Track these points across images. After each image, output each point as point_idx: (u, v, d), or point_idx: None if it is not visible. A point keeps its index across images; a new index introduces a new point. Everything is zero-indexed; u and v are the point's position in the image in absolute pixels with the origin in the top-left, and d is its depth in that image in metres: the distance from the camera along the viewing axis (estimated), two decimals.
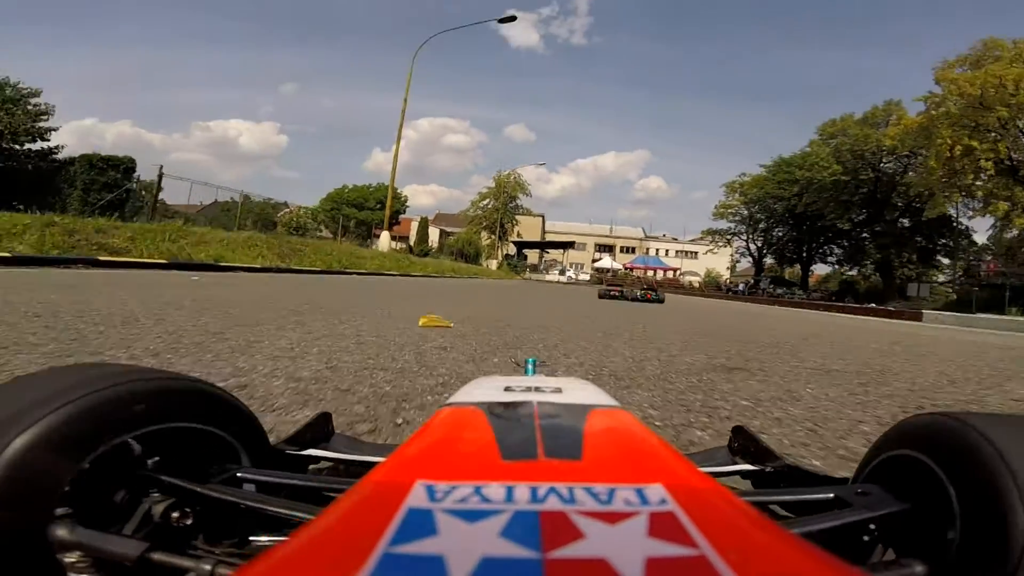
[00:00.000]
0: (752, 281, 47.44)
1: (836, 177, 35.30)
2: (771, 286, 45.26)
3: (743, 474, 0.68)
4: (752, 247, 53.15)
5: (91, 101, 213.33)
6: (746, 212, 52.80)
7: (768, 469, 0.66)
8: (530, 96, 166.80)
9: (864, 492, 0.47)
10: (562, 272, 50.93)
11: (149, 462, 0.44)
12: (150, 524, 0.42)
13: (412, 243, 44.38)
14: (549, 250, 59.67)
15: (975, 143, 23.26)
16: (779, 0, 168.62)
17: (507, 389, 0.57)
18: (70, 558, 0.36)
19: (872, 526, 0.43)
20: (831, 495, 0.48)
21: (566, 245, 54.86)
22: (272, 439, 0.63)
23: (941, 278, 36.38)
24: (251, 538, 0.44)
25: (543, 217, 67.70)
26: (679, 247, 68.18)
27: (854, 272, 46.93)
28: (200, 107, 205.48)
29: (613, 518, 0.23)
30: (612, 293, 15.67)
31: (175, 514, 0.42)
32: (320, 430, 0.74)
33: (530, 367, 1.06)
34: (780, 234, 48.50)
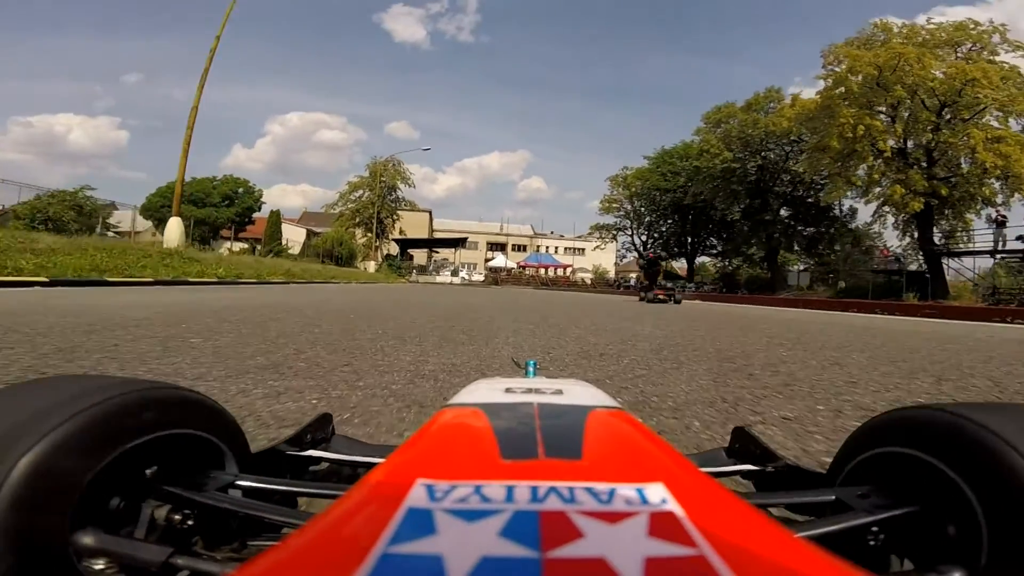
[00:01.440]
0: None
1: (726, 164, 35.01)
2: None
3: (744, 474, 0.69)
4: (637, 241, 53.25)
5: None
6: (630, 206, 52.80)
7: (769, 469, 0.66)
8: (414, 93, 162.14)
9: (864, 494, 0.46)
10: (455, 272, 45.55)
11: (147, 471, 0.44)
12: (156, 530, 0.43)
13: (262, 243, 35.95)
14: (438, 249, 53.54)
15: (877, 122, 23.03)
16: (658, 3, 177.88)
17: (508, 390, 0.57)
18: (98, 565, 0.37)
19: (876, 528, 0.42)
20: (832, 497, 0.48)
21: (457, 242, 48.32)
22: (273, 440, 0.66)
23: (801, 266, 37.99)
24: (249, 542, 0.46)
25: (430, 213, 61.68)
26: (567, 244, 67.06)
27: (733, 263, 48.85)
28: (21, 100, 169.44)
29: (613, 518, 0.22)
30: (659, 297, 13.16)
31: (176, 518, 0.43)
32: (320, 431, 0.74)
33: (531, 369, 1.04)
34: (665, 227, 48.56)
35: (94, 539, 0.37)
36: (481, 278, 46.98)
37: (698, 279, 44.33)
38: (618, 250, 55.50)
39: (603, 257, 63.71)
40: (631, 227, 53.24)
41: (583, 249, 65.88)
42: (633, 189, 50.44)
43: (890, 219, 26.83)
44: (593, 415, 0.45)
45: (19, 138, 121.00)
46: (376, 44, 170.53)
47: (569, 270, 57.99)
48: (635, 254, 53.74)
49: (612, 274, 61.84)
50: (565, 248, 65.07)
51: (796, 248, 38.70)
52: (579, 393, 0.58)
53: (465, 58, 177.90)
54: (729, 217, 39.06)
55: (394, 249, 48.13)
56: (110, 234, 24.52)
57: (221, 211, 48.04)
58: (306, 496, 0.52)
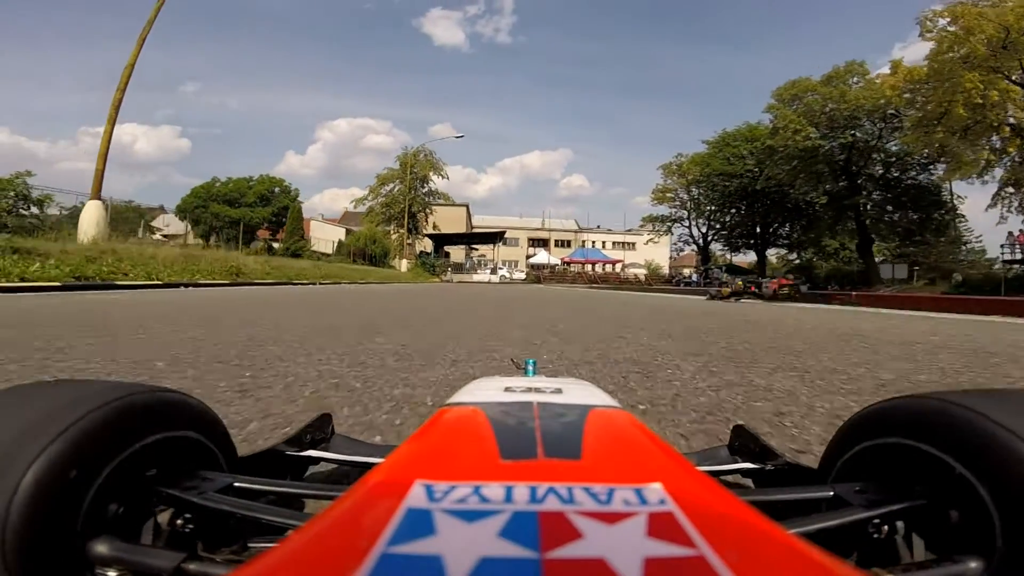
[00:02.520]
0: (704, 271, 42.52)
1: (810, 141, 30.44)
2: (725, 275, 40.60)
3: (744, 473, 0.69)
4: (696, 232, 48.82)
5: None
6: (686, 195, 48.45)
7: (768, 467, 0.66)
8: (455, 95, 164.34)
9: (862, 489, 0.46)
10: (494, 270, 42.83)
11: (148, 475, 0.45)
12: (161, 534, 0.44)
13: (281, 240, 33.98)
14: (476, 245, 50.88)
15: (1016, 88, 18.37)
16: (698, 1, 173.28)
17: (507, 389, 0.57)
18: (111, 573, 0.37)
19: (878, 521, 0.43)
20: (830, 493, 0.48)
21: (495, 237, 45.07)
22: (273, 441, 0.67)
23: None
24: (250, 543, 0.46)
25: (467, 208, 59.30)
26: (616, 238, 63.11)
27: (805, 256, 43.78)
28: (89, 112, 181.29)
29: (612, 518, 0.23)
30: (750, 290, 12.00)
31: (178, 520, 0.44)
32: (320, 431, 0.74)
33: (530, 368, 1.03)
34: (731, 216, 43.86)
35: (107, 547, 0.38)
36: (522, 276, 43.99)
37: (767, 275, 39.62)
38: (674, 243, 51.07)
39: (655, 252, 59.46)
40: (688, 218, 49.07)
41: (633, 243, 61.90)
42: (691, 176, 46.17)
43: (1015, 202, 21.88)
44: (593, 414, 0.46)
45: (89, 148, 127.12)
46: (417, 48, 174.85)
47: (619, 266, 54.05)
48: (693, 247, 49.44)
49: (666, 269, 57.56)
50: (614, 243, 61.31)
51: (887, 237, 33.43)
52: (579, 392, 0.58)
53: (504, 59, 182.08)
54: (815, 201, 34.25)
55: (428, 246, 45.75)
56: (156, 236, 24.04)
57: (256, 211, 47.39)
58: (305, 497, 0.52)
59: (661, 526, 0.22)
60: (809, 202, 36.51)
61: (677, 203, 48.90)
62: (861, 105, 28.11)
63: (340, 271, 20.82)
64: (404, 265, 35.64)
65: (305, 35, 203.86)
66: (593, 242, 57.93)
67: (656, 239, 51.41)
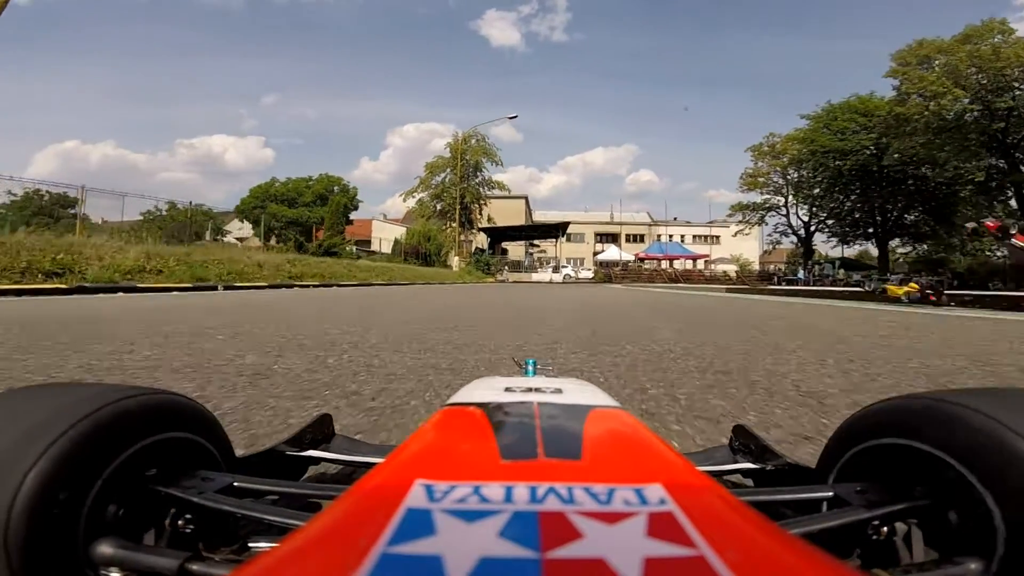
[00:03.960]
0: (812, 266, 36.32)
1: (959, 106, 24.20)
2: (840, 271, 34.27)
3: (744, 473, 0.70)
4: (796, 221, 42.33)
5: (71, 123, 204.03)
6: (782, 180, 42.14)
7: (769, 467, 0.67)
8: (515, 96, 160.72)
9: (863, 489, 0.47)
10: (556, 268, 38.87)
11: (147, 475, 0.46)
12: (161, 535, 0.45)
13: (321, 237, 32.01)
14: (536, 241, 47.13)
15: None
16: None
17: (507, 389, 0.58)
18: (113, 574, 0.38)
19: (877, 522, 0.43)
20: (831, 493, 0.48)
21: (558, 229, 39.65)
22: (274, 442, 0.69)
23: None
24: (250, 543, 0.46)
25: (527, 200, 55.62)
26: (697, 231, 57.14)
27: (937, 251, 36.36)
28: (182, 123, 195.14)
29: (612, 518, 0.23)
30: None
31: (179, 521, 0.45)
32: (320, 431, 0.76)
33: (530, 368, 1.04)
34: (843, 200, 37.14)
35: (109, 548, 0.38)
36: (589, 274, 39.69)
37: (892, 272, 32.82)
38: (769, 235, 44.81)
39: (742, 245, 53.16)
40: (786, 204, 42.72)
41: (717, 237, 55.88)
42: (789, 156, 39.95)
43: None
44: (593, 414, 0.46)
45: (185, 159, 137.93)
46: (475, 51, 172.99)
47: (702, 262, 48.32)
48: (793, 239, 43.06)
49: (756, 265, 51.09)
50: (694, 236, 55.62)
51: None
52: (579, 392, 0.59)
53: (561, 57, 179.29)
54: (956, 180, 27.61)
55: (482, 241, 42.41)
56: (228, 239, 24.28)
57: (314, 211, 46.90)
58: (305, 497, 0.53)
59: (661, 526, 0.22)
60: (945, 183, 29.73)
61: (771, 188, 42.96)
62: (1017, 64, 21.91)
63: (377, 270, 18.29)
64: (456, 263, 32.73)
65: (369, 44, 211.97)
66: (670, 236, 52.42)
67: (747, 230, 45.45)
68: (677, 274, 40.79)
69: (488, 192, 40.48)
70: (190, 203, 19.71)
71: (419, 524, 0.22)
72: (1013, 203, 26.70)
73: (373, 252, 36.38)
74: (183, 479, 0.48)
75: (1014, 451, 0.37)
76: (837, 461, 0.53)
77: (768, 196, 43.17)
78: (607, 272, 40.74)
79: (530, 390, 0.58)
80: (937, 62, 25.95)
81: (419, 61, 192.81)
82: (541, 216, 54.94)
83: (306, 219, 42.18)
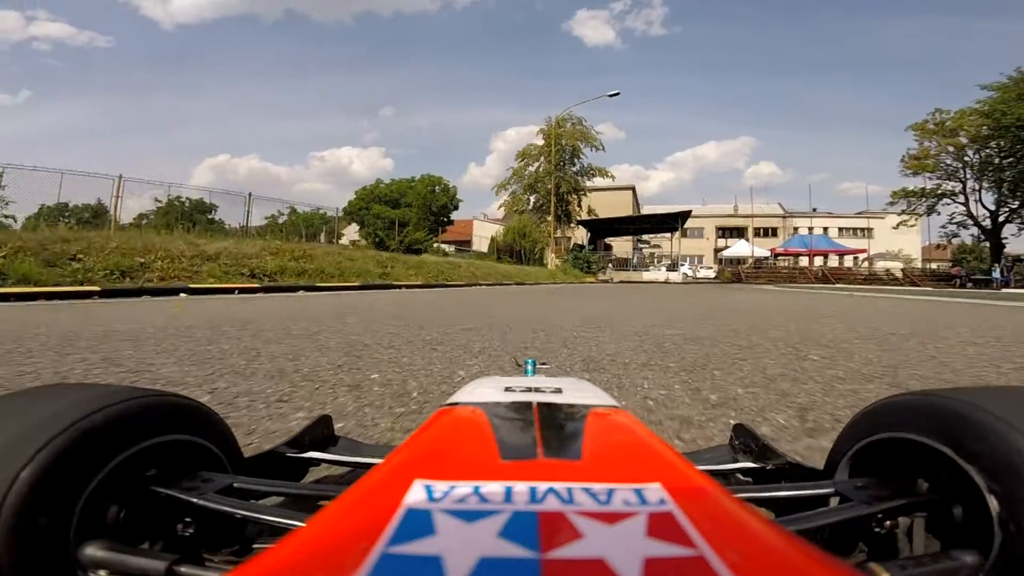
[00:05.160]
0: (1012, 264, 28.55)
1: None
2: None
3: (744, 472, 0.70)
4: (980, 211, 33.92)
5: (220, 139, 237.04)
6: (957, 162, 33.97)
7: (769, 467, 0.67)
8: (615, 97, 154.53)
9: (863, 485, 0.47)
10: (673, 267, 34.81)
11: (147, 475, 0.47)
12: (158, 537, 0.45)
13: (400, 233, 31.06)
14: (647, 237, 42.68)
15: None
16: None
17: (507, 389, 0.58)
18: (102, 574, 0.38)
19: (880, 516, 0.44)
20: (831, 489, 0.49)
21: (675, 219, 33.97)
22: (273, 443, 0.70)
23: None
24: (251, 544, 0.47)
25: (634, 191, 51.39)
26: (843, 223, 49.11)
27: None
28: (314, 138, 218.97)
29: (611, 518, 0.23)
30: None
31: (179, 525, 0.45)
32: (320, 433, 0.77)
33: (530, 368, 1.04)
34: None
35: (98, 550, 0.38)
36: (711, 273, 34.90)
37: None
38: (943, 226, 36.69)
39: (901, 239, 44.63)
40: (964, 190, 34.52)
41: (868, 229, 47.52)
42: (971, 131, 31.99)
43: None
44: (593, 415, 0.47)
45: (318, 170, 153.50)
46: (570, 51, 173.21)
47: (858, 258, 40.94)
48: (975, 231, 34.70)
49: (918, 262, 42.46)
50: (840, 229, 47.77)
51: None
52: (579, 392, 0.59)
53: (661, 51, 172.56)
54: None
55: (581, 236, 39.03)
56: (343, 241, 25.15)
57: (415, 211, 47.42)
58: (306, 497, 0.54)
59: (661, 526, 0.22)
60: None
61: (942, 172, 34.94)
62: None
63: (459, 269, 16.28)
64: (551, 260, 30.37)
65: (469, 52, 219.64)
66: (810, 228, 45.27)
67: (911, 221, 37.58)
68: (826, 272, 34.60)
69: (588, 183, 37.25)
70: (318, 208, 21.05)
71: (419, 524, 0.22)
72: None
73: (463, 251, 35.09)
74: (184, 480, 0.48)
75: (1015, 448, 0.38)
76: (843, 456, 0.53)
77: (940, 182, 35.35)
78: (735, 270, 35.66)
79: (530, 390, 0.58)
80: None
81: (518, 65, 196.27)
82: (650, 210, 49.16)
83: (408, 219, 42.51)
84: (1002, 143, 30.04)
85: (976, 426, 0.41)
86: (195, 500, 0.44)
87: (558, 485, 0.27)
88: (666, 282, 28.77)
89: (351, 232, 36.72)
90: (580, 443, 0.37)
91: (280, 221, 22.77)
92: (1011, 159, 30.50)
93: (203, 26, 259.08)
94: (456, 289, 11.40)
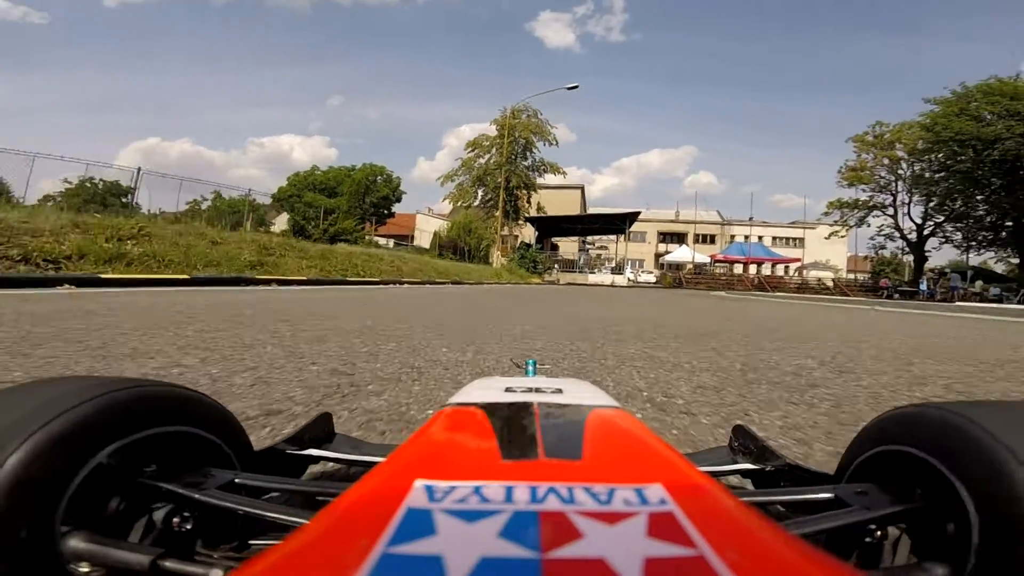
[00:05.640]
0: (938, 277, 28.94)
1: None
2: (978, 283, 26.84)
3: (743, 473, 0.70)
4: (908, 223, 34.74)
5: (152, 122, 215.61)
6: (891, 175, 34.76)
7: (768, 468, 0.67)
8: (570, 97, 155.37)
9: (863, 491, 0.47)
10: (617, 269, 33.05)
11: (146, 470, 0.46)
12: (153, 531, 0.44)
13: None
14: (593, 238, 41.12)
15: None
16: None
17: (508, 390, 0.58)
18: (83, 568, 0.38)
19: (873, 526, 0.44)
20: (831, 495, 0.49)
21: (623, 220, 31.84)
22: (273, 440, 0.69)
23: None
24: (250, 541, 0.46)
25: (583, 190, 49.98)
26: (777, 232, 49.81)
27: None
28: (256, 123, 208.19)
29: (612, 518, 0.23)
30: None
31: (176, 519, 0.44)
32: (320, 430, 0.76)
33: (530, 368, 1.04)
34: (977, 199, 29.41)
35: (80, 542, 0.38)
36: (652, 278, 33.60)
37: None
38: (872, 237, 37.45)
39: (829, 250, 45.69)
40: (894, 203, 35.32)
41: (800, 239, 48.31)
42: (909, 144, 32.56)
43: None
44: (593, 415, 0.46)
45: (255, 156, 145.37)
46: (530, 52, 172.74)
47: (791, 267, 41.23)
48: (902, 243, 35.53)
49: (844, 273, 43.51)
50: (774, 238, 48.31)
51: None
52: (579, 393, 0.59)
53: (618, 58, 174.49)
54: None
55: (530, 235, 36.50)
56: (272, 229, 23.12)
57: (345, 200, 44.41)
58: (306, 495, 0.53)
59: (661, 526, 0.22)
60: None
61: (875, 185, 35.65)
62: None
63: (371, 263, 13.38)
64: (497, 259, 27.67)
65: (427, 46, 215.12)
66: (747, 236, 45.37)
67: (843, 232, 38.17)
68: (762, 280, 34.23)
69: (539, 179, 34.77)
70: (246, 193, 18.68)
71: (419, 524, 0.22)
72: None
73: (403, 245, 32.16)
74: (186, 475, 0.47)
75: (997, 462, 0.38)
76: (851, 465, 0.54)
77: (873, 194, 36.04)
78: (676, 275, 34.64)
79: (530, 390, 0.57)
80: None
81: (476, 62, 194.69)
82: (595, 212, 48.70)
83: (345, 208, 39.11)
84: (940, 156, 30.34)
85: (965, 440, 0.41)
86: (195, 495, 0.44)
87: (559, 485, 0.27)
88: (612, 285, 26.98)
89: (283, 221, 33.19)
90: (581, 443, 0.37)
91: (203, 207, 21.45)
92: (943, 173, 30.98)
93: (149, 5, 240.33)
94: (360, 289, 8.57)
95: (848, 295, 28.83)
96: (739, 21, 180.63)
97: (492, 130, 33.67)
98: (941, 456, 0.42)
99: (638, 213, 32.27)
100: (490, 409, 0.48)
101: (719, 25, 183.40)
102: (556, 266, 33.07)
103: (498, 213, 30.60)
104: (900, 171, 35.04)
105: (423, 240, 33.46)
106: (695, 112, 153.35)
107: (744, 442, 0.75)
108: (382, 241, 32.09)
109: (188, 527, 0.44)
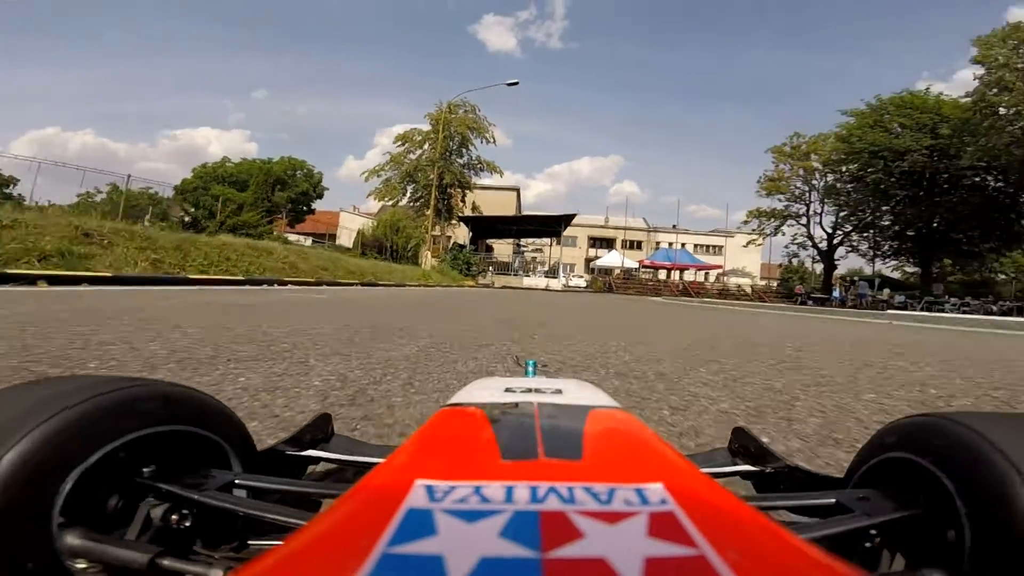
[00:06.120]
0: (849, 285, 30.01)
1: None
2: (885, 291, 28.03)
3: (743, 475, 0.69)
4: (819, 232, 36.28)
5: (53, 111, 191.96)
6: (805, 185, 36.21)
7: (768, 470, 0.66)
8: (507, 101, 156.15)
9: (865, 497, 0.47)
10: (552, 272, 31.83)
11: (145, 470, 0.45)
12: (151, 529, 0.43)
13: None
14: (527, 241, 39.38)
15: None
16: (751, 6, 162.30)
17: (507, 390, 0.58)
18: (80, 564, 0.37)
19: (874, 531, 0.44)
20: (832, 500, 0.49)
21: (559, 222, 30.84)
22: (273, 440, 0.68)
23: None
24: (250, 542, 0.46)
25: (518, 192, 48.49)
26: (699, 240, 50.92)
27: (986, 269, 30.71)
28: (169, 116, 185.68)
29: (613, 518, 0.23)
30: None
31: (174, 517, 0.44)
32: (320, 431, 0.75)
33: (530, 369, 1.03)
34: (885, 209, 30.85)
35: (77, 539, 0.37)
36: (583, 282, 32.56)
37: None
38: (786, 246, 38.67)
39: (745, 258, 47.25)
40: (807, 213, 36.71)
41: (719, 247, 49.68)
42: (824, 155, 33.83)
43: None
44: (593, 415, 0.46)
45: (166, 149, 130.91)
46: (472, 55, 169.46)
47: (714, 273, 41.87)
48: (813, 252, 36.99)
49: (758, 280, 45.07)
50: (695, 245, 49.18)
51: None
52: (579, 393, 0.59)
53: (555, 64, 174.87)
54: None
55: (464, 236, 34.34)
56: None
57: (251, 192, 40.91)
58: (306, 496, 0.53)
59: (662, 526, 0.22)
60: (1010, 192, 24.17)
61: (791, 195, 37.01)
62: None
63: (252, 259, 10.65)
64: (427, 260, 25.14)
65: (365, 43, 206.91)
66: (671, 243, 45.84)
67: (760, 240, 39.29)
68: (687, 286, 34.22)
69: (475, 179, 32.54)
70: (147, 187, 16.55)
71: (420, 524, 0.22)
72: None
73: (320, 243, 29.03)
74: (186, 475, 0.47)
75: (994, 470, 0.38)
76: (857, 472, 0.54)
77: (788, 203, 37.34)
78: (607, 280, 33.82)
79: (530, 390, 0.57)
80: None
81: (416, 62, 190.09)
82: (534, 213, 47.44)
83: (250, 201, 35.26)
84: (853, 167, 31.50)
85: (964, 448, 0.41)
86: (194, 496, 0.43)
87: (559, 485, 0.26)
88: (547, 289, 25.47)
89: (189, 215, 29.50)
90: (580, 443, 0.36)
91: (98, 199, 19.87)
92: (854, 183, 32.25)
93: None
94: (212, 291, 6.16)
95: (765, 300, 29.40)
96: (671, 34, 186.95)
97: (424, 120, 31.11)
98: (940, 464, 0.42)
99: (573, 216, 31.03)
100: (490, 409, 0.47)
101: (653, 37, 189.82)
102: (491, 268, 31.18)
103: (429, 211, 28.08)
104: (814, 182, 36.57)
105: (347, 239, 30.44)
106: (624, 121, 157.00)
107: (744, 444, 0.73)
108: (294, 239, 28.98)
109: (187, 524, 0.43)
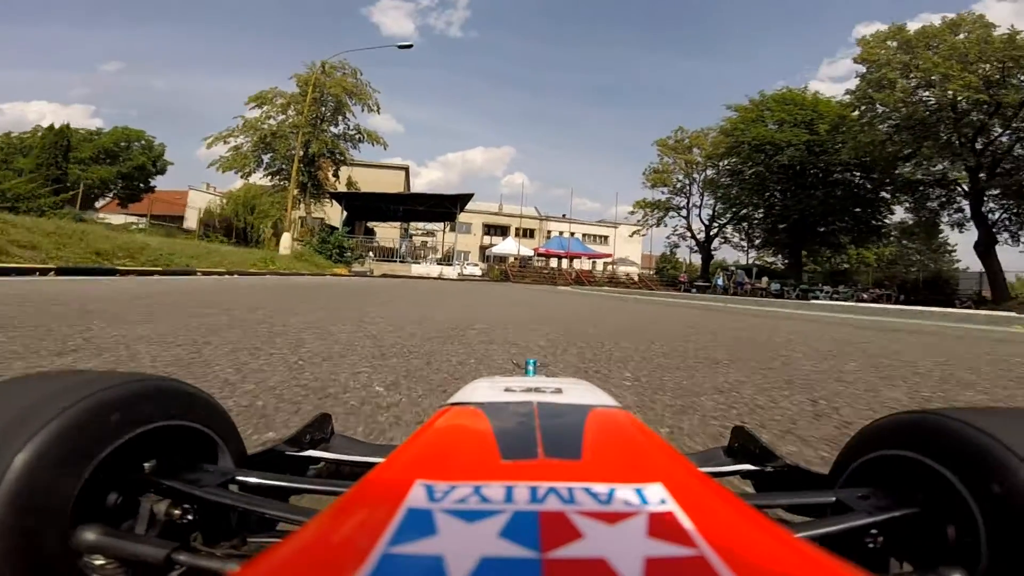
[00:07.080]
0: (729, 273, 30.26)
1: (969, 93, 19.53)
2: (764, 280, 28.49)
3: (743, 474, 0.68)
4: (698, 224, 36.86)
5: None
6: (686, 179, 36.52)
7: (768, 469, 0.65)
8: (401, 87, 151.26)
9: (865, 495, 0.46)
10: (446, 260, 28.16)
11: (146, 465, 0.44)
12: (156, 525, 0.43)
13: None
14: (417, 224, 35.79)
15: None
16: (647, 5, 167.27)
17: (507, 390, 0.56)
18: (98, 560, 0.37)
19: (875, 530, 0.43)
20: (832, 498, 0.47)
21: (453, 203, 27.38)
22: (273, 440, 0.67)
23: None
24: (249, 538, 0.45)
25: (407, 171, 43.44)
26: (588, 230, 50.37)
27: (849, 259, 33.08)
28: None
29: (612, 518, 0.22)
30: None
31: (176, 512, 0.43)
32: (320, 431, 0.73)
33: (530, 368, 1.01)
34: (760, 202, 31.52)
35: (94, 535, 0.37)
36: (477, 271, 29.23)
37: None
38: (668, 236, 38.88)
39: (628, 248, 47.53)
40: (687, 205, 37.13)
41: (606, 237, 49.56)
42: (706, 149, 33.87)
43: None
44: (593, 414, 0.45)
45: None
46: (364, 37, 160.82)
47: (606, 262, 40.95)
48: (692, 241, 37.45)
49: (639, 268, 45.59)
50: (584, 235, 48.37)
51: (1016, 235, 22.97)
52: (579, 392, 0.57)
53: (453, 54, 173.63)
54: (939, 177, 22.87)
55: (336, 216, 29.32)
56: None
57: (92, 170, 34.10)
58: (306, 493, 0.52)
59: (662, 526, 0.22)
60: (873, 188, 26.48)
61: (673, 188, 37.08)
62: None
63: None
64: (286, 243, 19.72)
65: (244, 18, 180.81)
66: (561, 232, 44.44)
67: (644, 231, 39.19)
68: (579, 274, 32.71)
69: (354, 153, 27.19)
70: None
71: (420, 524, 0.22)
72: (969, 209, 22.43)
73: (159, 224, 22.58)
74: (186, 471, 0.46)
75: (1003, 466, 0.37)
76: (846, 468, 0.52)
77: (671, 195, 37.38)
78: (503, 268, 30.91)
79: (530, 390, 0.55)
80: (941, 45, 20.95)
81: (298, 41, 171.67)
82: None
83: (81, 179, 28.23)
84: (734, 160, 31.62)
85: (968, 444, 0.40)
86: (196, 492, 0.42)
87: (559, 485, 0.26)
88: (440, 278, 21.80)
89: None
90: (580, 443, 0.35)
91: None
92: (732, 177, 32.48)
93: None
94: None
95: (651, 288, 28.82)
96: (570, 30, 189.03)
97: (290, 80, 25.21)
98: (943, 460, 0.41)
99: (470, 196, 27.35)
100: (489, 409, 0.46)
101: (552, 33, 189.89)
102: (371, 254, 26.53)
103: (291, 186, 22.52)
104: (695, 175, 36.85)
105: (197, 220, 23.92)
106: (518, 113, 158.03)
107: (744, 443, 0.71)
108: (124, 220, 22.32)
109: (189, 518, 0.43)
